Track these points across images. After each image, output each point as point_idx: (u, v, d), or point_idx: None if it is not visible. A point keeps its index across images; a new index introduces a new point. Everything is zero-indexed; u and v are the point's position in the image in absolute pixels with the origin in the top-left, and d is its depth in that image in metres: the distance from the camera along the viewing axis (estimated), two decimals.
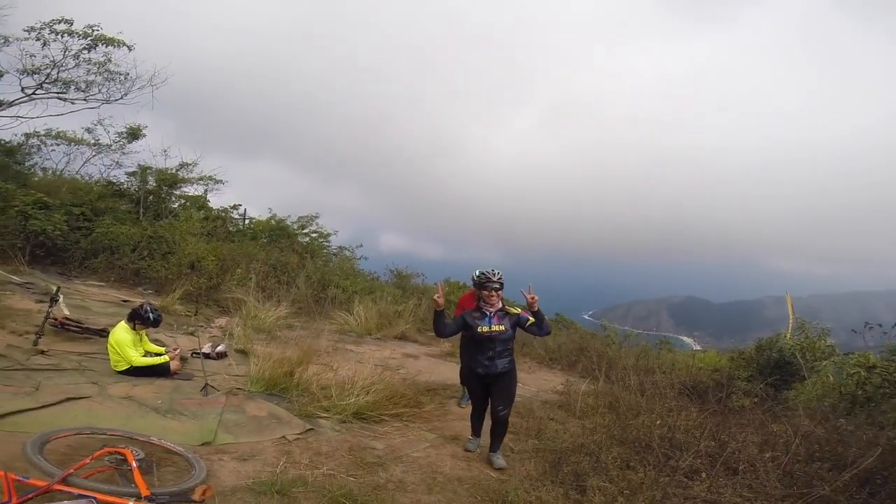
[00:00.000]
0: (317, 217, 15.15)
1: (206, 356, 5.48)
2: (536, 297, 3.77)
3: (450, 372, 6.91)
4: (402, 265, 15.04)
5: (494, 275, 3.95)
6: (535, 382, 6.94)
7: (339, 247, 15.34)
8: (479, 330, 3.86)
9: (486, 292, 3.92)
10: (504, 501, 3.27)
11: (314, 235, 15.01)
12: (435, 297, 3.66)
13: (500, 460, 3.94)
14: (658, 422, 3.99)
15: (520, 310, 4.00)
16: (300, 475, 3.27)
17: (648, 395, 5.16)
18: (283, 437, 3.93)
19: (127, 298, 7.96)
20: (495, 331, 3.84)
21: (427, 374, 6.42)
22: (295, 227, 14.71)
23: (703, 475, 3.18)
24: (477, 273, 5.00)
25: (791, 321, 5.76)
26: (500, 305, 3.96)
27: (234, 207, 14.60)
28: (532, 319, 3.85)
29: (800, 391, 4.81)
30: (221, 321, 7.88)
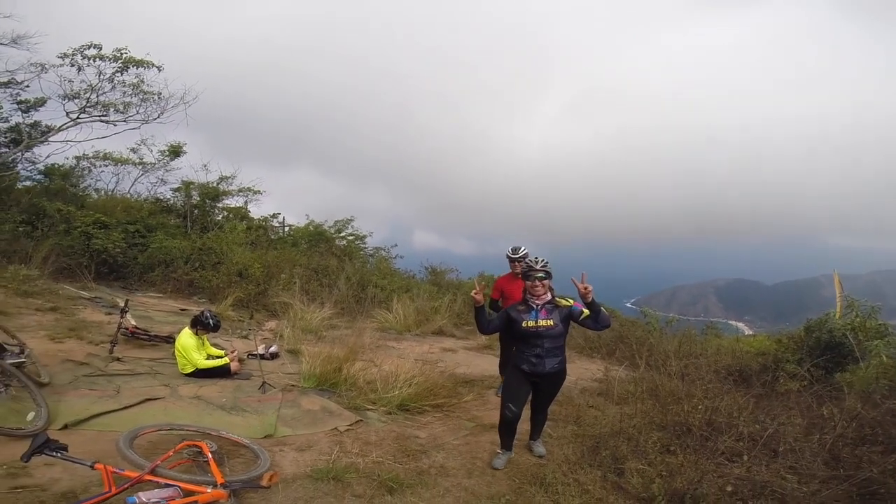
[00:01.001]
0: (352, 220, 15.61)
1: (262, 357, 5.87)
2: (590, 287, 3.34)
3: (487, 364, 7.08)
4: (436, 262, 15.31)
5: (538, 262, 3.54)
6: (574, 371, 6.93)
7: (375, 248, 15.75)
8: (523, 325, 3.47)
9: (530, 283, 3.52)
10: (542, 483, 3.38)
11: (350, 238, 15.47)
12: (472, 293, 3.49)
13: (540, 447, 3.92)
14: (700, 406, 3.99)
15: (572, 301, 3.56)
16: (352, 463, 3.54)
17: (689, 380, 5.15)
18: (335, 428, 4.23)
19: (184, 307, 8.56)
20: (542, 326, 3.44)
21: (465, 366, 6.62)
22: (332, 231, 15.22)
23: (744, 457, 3.20)
24: (510, 250, 5.07)
25: (839, 300, 5.55)
26: (549, 297, 3.55)
27: (274, 216, 15.25)
28: (586, 312, 3.43)
29: (853, 373, 4.66)
30: (271, 324, 8.36)
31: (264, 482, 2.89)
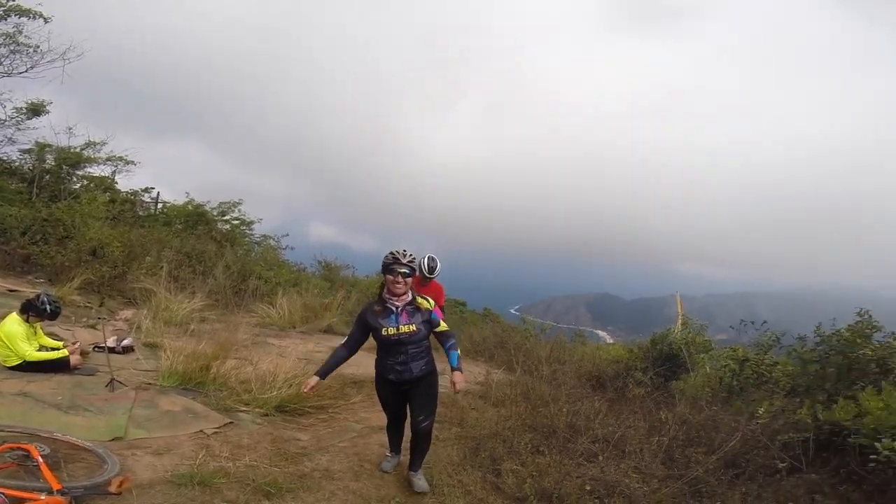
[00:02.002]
0: (240, 203, 14.40)
1: (111, 350, 5.14)
2: (459, 389, 3.19)
3: None
4: (332, 256, 14.83)
5: (404, 256, 3.10)
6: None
7: (263, 235, 14.73)
8: (384, 333, 3.11)
9: (390, 277, 3.09)
10: (429, 485, 3.39)
11: (236, 223, 14.27)
12: (304, 390, 3.29)
13: (421, 482, 3.34)
14: (563, 409, 4.39)
15: (432, 304, 3.27)
16: (221, 467, 3.25)
17: (556, 385, 5.64)
18: (201, 431, 3.84)
19: (14, 288, 7.14)
20: (405, 332, 3.11)
21: (354, 366, 6.41)
22: (215, 213, 13.88)
23: (599, 458, 3.58)
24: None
25: (679, 318, 6.56)
26: (410, 297, 3.19)
27: (146, 190, 13.50)
28: (443, 326, 3.24)
29: (685, 381, 5.53)
30: (127, 313, 7.34)
31: (113, 488, 2.56)
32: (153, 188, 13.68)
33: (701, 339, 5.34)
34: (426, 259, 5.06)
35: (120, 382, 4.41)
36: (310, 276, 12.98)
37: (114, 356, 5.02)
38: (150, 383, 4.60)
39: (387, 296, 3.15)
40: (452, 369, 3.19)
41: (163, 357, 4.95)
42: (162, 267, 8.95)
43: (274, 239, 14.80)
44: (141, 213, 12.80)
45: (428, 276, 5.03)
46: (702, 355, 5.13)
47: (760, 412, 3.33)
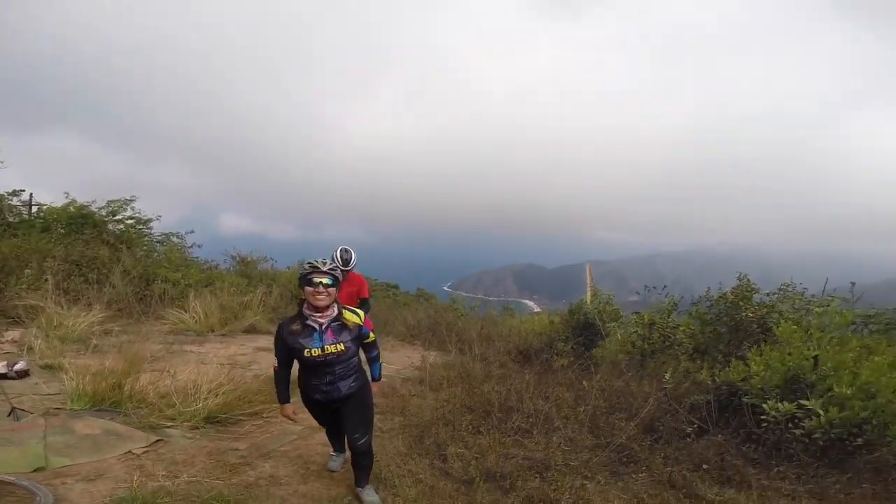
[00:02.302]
0: (132, 201, 12.86)
1: (3, 377, 4.60)
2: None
3: None
4: (249, 248, 13.90)
5: (324, 264, 2.74)
6: (398, 360, 7.26)
7: (165, 233, 13.39)
8: (306, 354, 2.75)
9: (310, 289, 2.70)
10: (379, 479, 3.41)
11: (130, 222, 12.80)
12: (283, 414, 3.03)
13: (371, 496, 3.09)
14: (496, 388, 4.59)
15: (361, 316, 2.92)
16: (161, 486, 3.06)
17: (489, 363, 5.87)
18: (129, 451, 3.58)
19: None
20: (331, 353, 2.76)
21: None
22: (103, 213, 12.33)
23: (533, 433, 3.80)
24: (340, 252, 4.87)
25: (589, 288, 7.06)
26: (336, 312, 2.82)
27: (15, 193, 11.67)
28: (372, 336, 3.05)
29: (602, 348, 6.00)
30: (13, 334, 6.43)
31: None
32: (23, 190, 11.84)
33: (610, 307, 5.78)
34: (339, 251, 4.94)
35: (23, 410, 3.96)
36: (224, 274, 12.09)
37: (8, 382, 4.52)
38: (58, 408, 4.17)
39: (307, 311, 2.75)
40: (373, 379, 3.12)
41: (66, 379, 4.50)
42: (46, 279, 7.90)
43: (177, 236, 13.52)
44: (11, 220, 11.08)
45: (344, 268, 4.87)
46: (612, 323, 5.57)
47: (667, 377, 3.68)
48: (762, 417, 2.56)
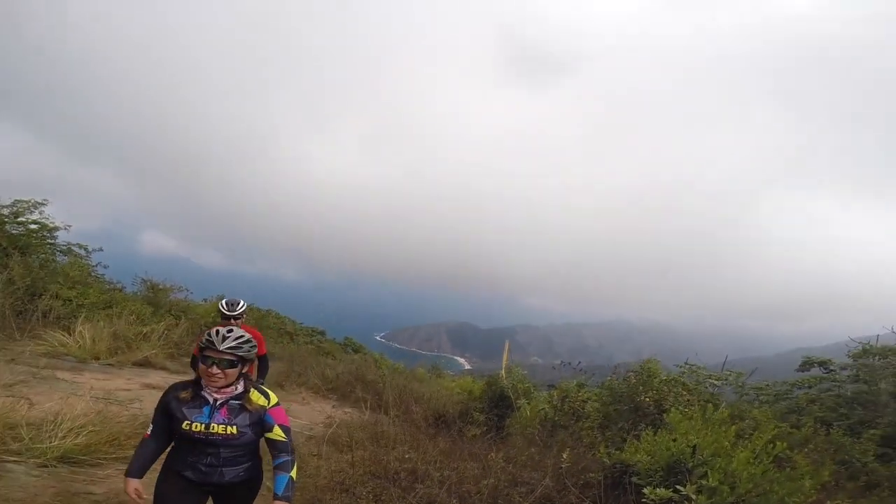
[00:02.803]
0: (43, 204, 11.69)
1: None
2: None
3: None
4: (167, 273, 12.86)
5: (225, 339, 2.20)
6: (307, 415, 6.81)
7: (70, 244, 12.14)
8: (184, 427, 2.21)
9: (203, 367, 2.21)
10: None
11: (33, 227, 11.53)
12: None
13: None
14: (406, 455, 4.41)
15: (272, 398, 2.34)
16: None
17: (405, 426, 5.66)
18: None
19: None
20: (217, 434, 2.22)
21: None
22: (4, 212, 11.06)
23: None
24: (225, 303, 4.27)
25: (504, 364, 7.19)
26: (241, 389, 2.29)
27: None
28: (279, 434, 2.29)
29: (514, 419, 6.02)
30: None
31: None
32: None
33: (522, 385, 5.90)
34: (224, 302, 4.32)
35: None
36: (128, 298, 11.05)
37: None
38: None
39: (205, 382, 2.25)
40: (275, 497, 2.23)
41: None
42: None
43: (86, 249, 12.30)
44: None
45: (228, 313, 4.21)
46: (521, 401, 5.67)
47: (564, 457, 3.72)
48: (643, 501, 2.64)
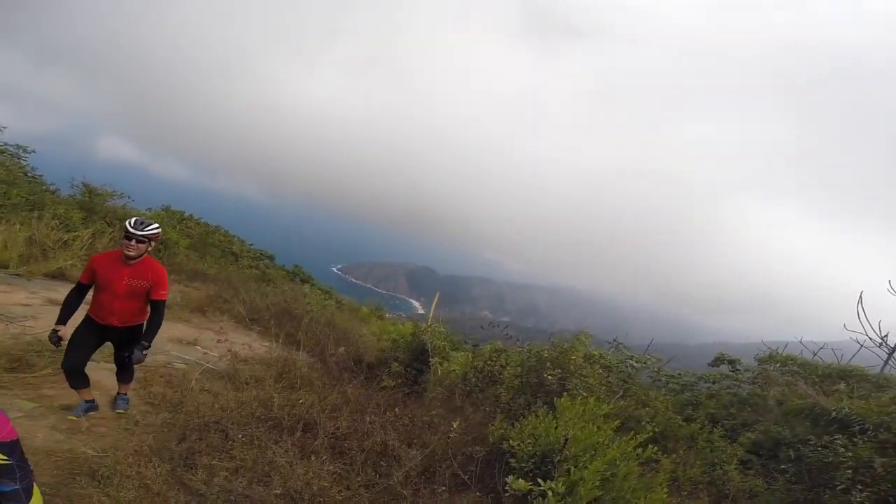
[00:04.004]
0: None
1: None
2: None
3: None
4: (122, 180, 11.90)
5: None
6: (216, 346, 6.53)
7: (4, 144, 11.07)
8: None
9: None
10: (95, 476, 3.01)
11: None
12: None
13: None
14: (301, 400, 4.27)
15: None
16: None
17: (322, 370, 5.53)
18: None
19: None
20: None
21: (69, 327, 5.27)
22: None
23: (312, 458, 3.53)
24: (131, 222, 3.74)
25: (432, 315, 7.10)
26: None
27: None
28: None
29: (433, 375, 5.98)
30: None
31: None
32: None
33: (438, 342, 5.80)
34: (132, 220, 3.78)
35: None
36: (59, 201, 10.22)
37: None
38: None
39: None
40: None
41: None
42: None
43: (23, 150, 11.21)
44: None
45: (132, 231, 3.67)
46: (434, 359, 5.59)
47: (454, 426, 3.67)
48: (506, 488, 2.61)
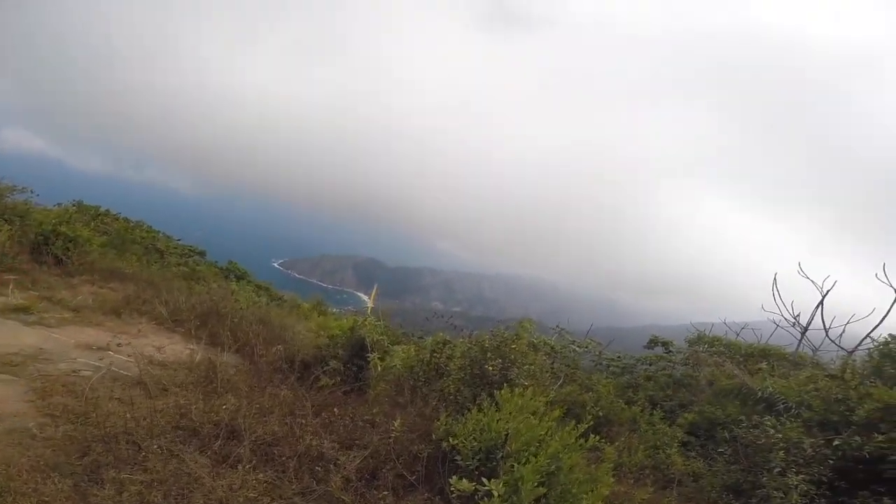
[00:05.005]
0: None
1: None
2: None
3: (8, 337, 5.21)
4: (34, 174, 10.50)
5: None
6: (136, 351, 5.92)
7: None
8: None
9: None
10: None
11: None
12: None
13: None
14: (224, 406, 3.91)
15: None
16: None
17: (247, 370, 5.13)
18: None
19: None
20: None
21: None
22: None
23: (239, 467, 3.22)
24: None
25: (370, 309, 6.87)
26: None
27: None
28: None
29: (374, 371, 5.74)
30: None
31: None
32: None
33: (376, 336, 5.58)
34: None
35: None
36: None
37: None
38: None
39: None
40: None
41: None
42: None
43: None
44: None
45: None
46: (372, 354, 5.37)
47: (396, 424, 3.49)
48: (452, 488, 2.47)
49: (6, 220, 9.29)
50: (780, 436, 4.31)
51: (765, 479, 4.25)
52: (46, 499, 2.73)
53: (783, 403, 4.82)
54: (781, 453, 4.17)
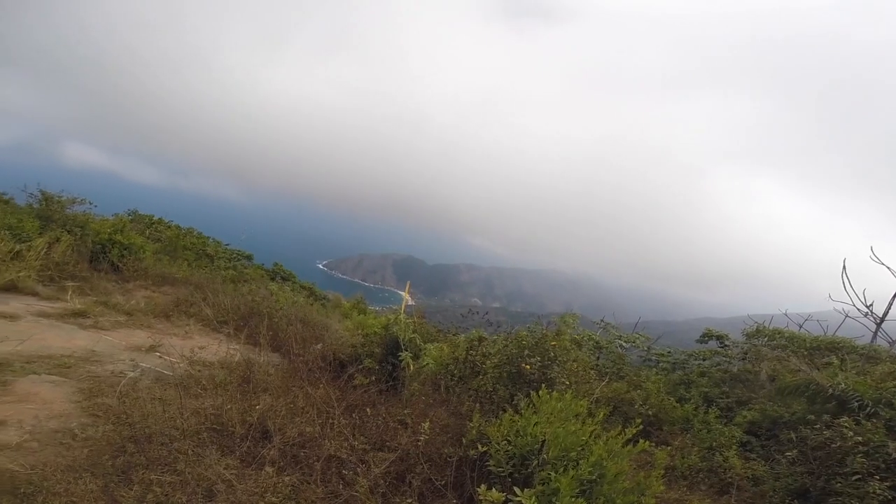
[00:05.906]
0: None
1: None
2: None
3: (62, 339, 5.47)
4: (94, 187, 11.27)
5: None
6: (182, 351, 6.13)
7: None
8: None
9: None
10: (17, 494, 2.81)
11: None
12: None
13: None
14: (258, 406, 3.91)
15: None
16: None
17: (288, 371, 5.17)
18: None
19: None
20: None
21: (15, 341, 4.87)
22: None
23: (266, 468, 3.19)
24: None
25: (403, 307, 6.75)
26: None
27: None
28: None
29: (409, 369, 5.65)
30: None
31: None
32: None
33: (408, 335, 5.46)
34: None
35: None
36: (10, 210, 9.59)
37: None
38: None
39: None
40: None
41: None
42: None
43: None
44: None
45: None
46: (404, 353, 5.25)
47: (425, 427, 3.34)
48: (480, 497, 2.30)
49: (67, 231, 9.90)
50: (859, 438, 3.85)
51: (838, 485, 3.82)
52: (75, 499, 2.79)
53: (858, 401, 4.33)
54: (861, 458, 3.73)
